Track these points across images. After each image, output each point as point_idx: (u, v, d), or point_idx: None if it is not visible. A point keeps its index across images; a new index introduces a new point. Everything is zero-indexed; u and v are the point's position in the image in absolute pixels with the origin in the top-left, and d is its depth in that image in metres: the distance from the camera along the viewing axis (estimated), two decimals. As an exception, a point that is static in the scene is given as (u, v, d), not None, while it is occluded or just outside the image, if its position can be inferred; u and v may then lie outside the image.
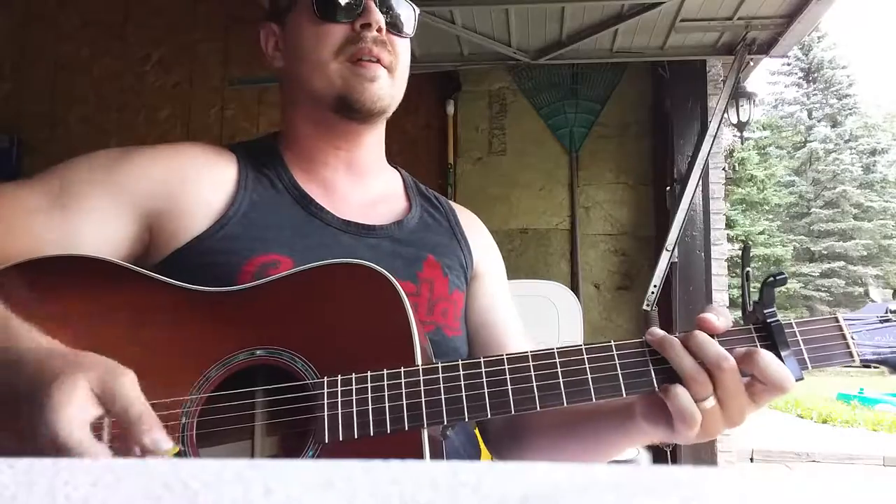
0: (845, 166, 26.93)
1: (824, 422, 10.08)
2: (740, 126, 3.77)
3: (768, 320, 0.69)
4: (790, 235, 26.52)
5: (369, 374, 0.67)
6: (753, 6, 3.13)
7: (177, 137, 3.94)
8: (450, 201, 1.05)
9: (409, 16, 0.92)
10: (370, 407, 0.65)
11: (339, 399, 0.66)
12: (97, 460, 0.23)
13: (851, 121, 28.38)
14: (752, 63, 3.73)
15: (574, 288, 3.70)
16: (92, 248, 0.78)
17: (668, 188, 3.60)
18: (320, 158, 0.92)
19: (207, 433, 0.67)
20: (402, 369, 0.67)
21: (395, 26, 0.89)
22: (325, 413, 0.65)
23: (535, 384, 0.67)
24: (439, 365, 0.68)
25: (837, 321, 0.70)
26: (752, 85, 3.99)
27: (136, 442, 0.56)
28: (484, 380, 0.67)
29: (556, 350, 0.69)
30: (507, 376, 0.68)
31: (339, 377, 0.67)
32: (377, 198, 0.96)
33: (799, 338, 0.69)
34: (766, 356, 0.66)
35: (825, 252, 25.82)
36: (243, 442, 0.69)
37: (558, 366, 0.68)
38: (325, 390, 0.66)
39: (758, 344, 0.69)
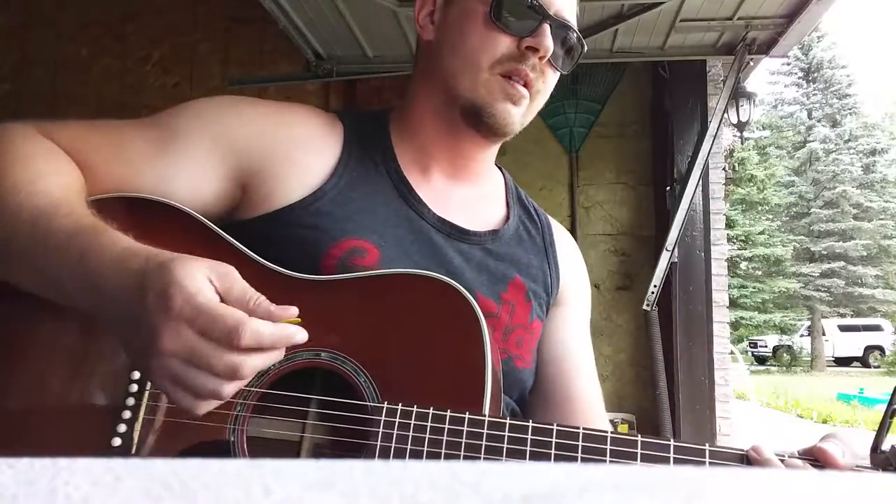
0: (845, 166, 26.93)
1: (824, 422, 10.08)
2: (740, 126, 3.77)
3: None
4: (790, 235, 26.51)
5: (431, 411, 0.62)
6: (753, 6, 3.13)
7: (177, 137, 3.94)
8: (548, 215, 1.00)
9: (573, 53, 0.87)
10: (425, 448, 0.61)
11: (395, 431, 0.62)
12: (97, 460, 0.23)
13: (851, 121, 28.38)
14: (752, 63, 3.73)
15: (574, 288, 3.70)
16: (182, 196, 0.77)
17: (668, 188, 3.59)
18: (431, 151, 0.88)
19: (258, 432, 0.65)
20: (467, 415, 0.62)
21: (556, 58, 0.84)
22: (378, 443, 0.62)
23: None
24: (507, 422, 0.62)
25: None
26: (752, 85, 4.00)
27: (266, 317, 0.57)
28: (553, 451, 0.61)
29: (639, 439, 0.62)
30: (579, 455, 0.61)
31: (399, 407, 0.63)
32: (477, 199, 0.92)
33: None
34: None
35: (825, 252, 25.82)
36: (290, 449, 0.67)
37: (639, 458, 0.61)
38: (383, 417, 0.63)
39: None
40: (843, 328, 22.79)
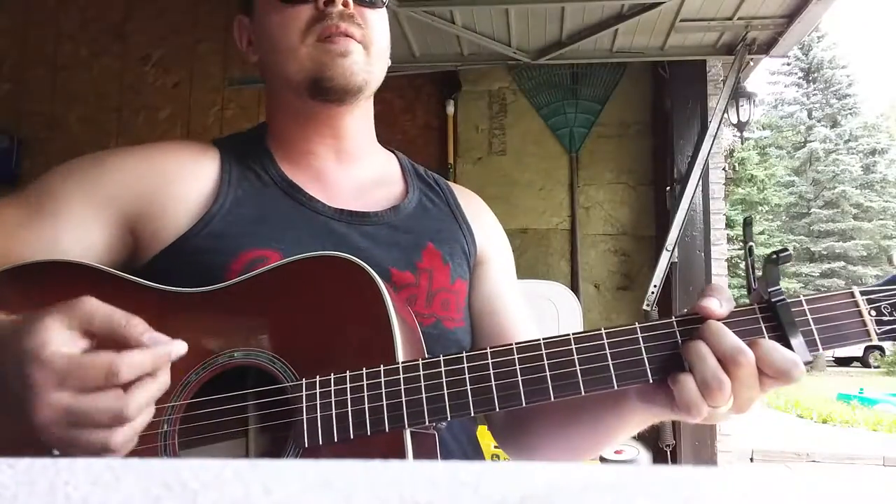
0: (845, 166, 26.92)
1: (824, 422, 10.09)
2: (740, 126, 3.77)
3: (773, 299, 0.64)
4: (790, 235, 26.49)
5: (348, 374, 0.64)
6: (753, 6, 3.13)
7: (177, 137, 3.94)
8: (450, 183, 1.01)
9: None
10: (349, 409, 0.63)
11: (318, 402, 0.63)
12: (97, 460, 0.23)
13: (851, 121, 28.37)
14: (752, 63, 3.73)
15: (574, 288, 3.70)
16: (72, 256, 0.77)
17: (668, 188, 3.59)
18: (307, 148, 0.89)
19: (188, 440, 0.66)
20: (382, 368, 0.64)
21: None
22: (304, 416, 0.63)
23: (520, 379, 0.63)
24: (420, 362, 0.65)
25: (853, 296, 0.64)
26: (752, 85, 4.00)
27: (137, 343, 0.55)
28: (466, 376, 0.64)
29: (542, 341, 0.65)
30: (491, 371, 0.64)
31: (318, 378, 0.64)
32: (372, 182, 0.92)
33: (809, 316, 0.63)
34: (769, 348, 0.61)
35: (825, 252, 25.81)
36: (224, 448, 0.68)
37: (545, 358, 0.64)
38: (304, 392, 0.64)
39: (763, 325, 0.64)
40: (843, 328, 22.68)
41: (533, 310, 0.99)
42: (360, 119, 0.92)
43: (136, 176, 0.83)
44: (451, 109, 3.88)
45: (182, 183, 0.83)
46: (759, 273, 0.68)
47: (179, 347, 0.58)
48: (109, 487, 0.21)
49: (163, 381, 0.58)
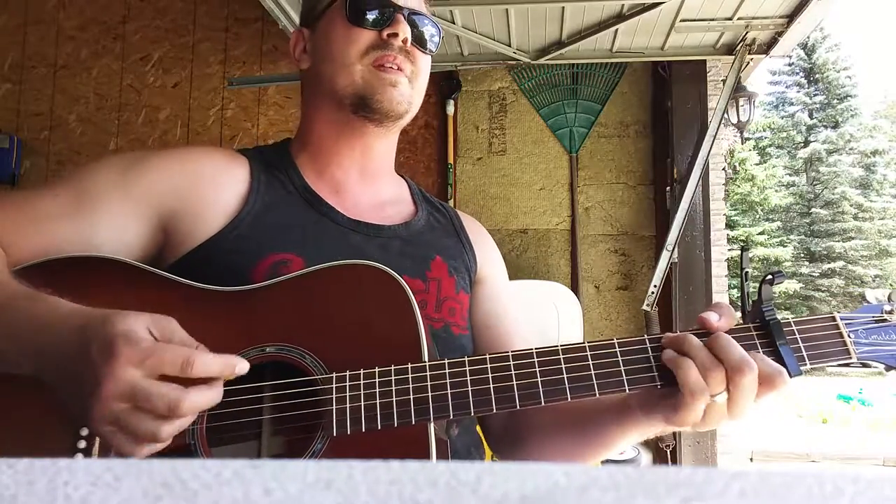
0: (846, 167, 26.91)
1: (824, 422, 10.09)
2: (740, 126, 3.76)
3: (767, 318, 0.71)
4: (790, 236, 26.49)
5: (377, 369, 0.68)
6: (753, 6, 3.13)
7: (177, 137, 3.94)
8: (454, 208, 1.09)
9: (432, 34, 0.96)
10: (378, 401, 0.67)
11: (348, 393, 0.68)
12: (97, 460, 0.23)
13: (852, 122, 28.36)
14: (752, 63, 3.73)
15: (574, 288, 3.70)
16: (108, 249, 0.80)
17: (668, 188, 3.59)
18: (334, 160, 0.95)
19: (218, 428, 0.68)
20: (410, 365, 0.69)
21: (419, 41, 0.93)
22: (334, 406, 0.67)
23: (539, 380, 0.69)
24: (446, 361, 0.70)
25: (835, 320, 0.72)
26: (752, 85, 3.99)
27: (206, 371, 0.60)
28: (489, 375, 0.69)
29: (560, 347, 0.71)
30: (513, 372, 0.69)
31: (348, 372, 0.69)
32: (386, 200, 0.99)
33: (797, 336, 0.71)
34: (759, 358, 0.67)
35: (825, 252, 25.80)
36: (253, 438, 0.71)
37: (562, 362, 0.70)
38: (334, 385, 0.68)
39: (757, 342, 0.71)
40: (843, 328, 22.64)
41: (533, 310, 1.02)
42: (388, 143, 0.99)
43: (175, 176, 0.86)
44: (451, 109, 3.88)
45: (217, 185, 0.87)
46: (754, 298, 0.74)
47: (244, 367, 0.63)
48: (109, 487, 0.21)
49: (217, 393, 0.62)
